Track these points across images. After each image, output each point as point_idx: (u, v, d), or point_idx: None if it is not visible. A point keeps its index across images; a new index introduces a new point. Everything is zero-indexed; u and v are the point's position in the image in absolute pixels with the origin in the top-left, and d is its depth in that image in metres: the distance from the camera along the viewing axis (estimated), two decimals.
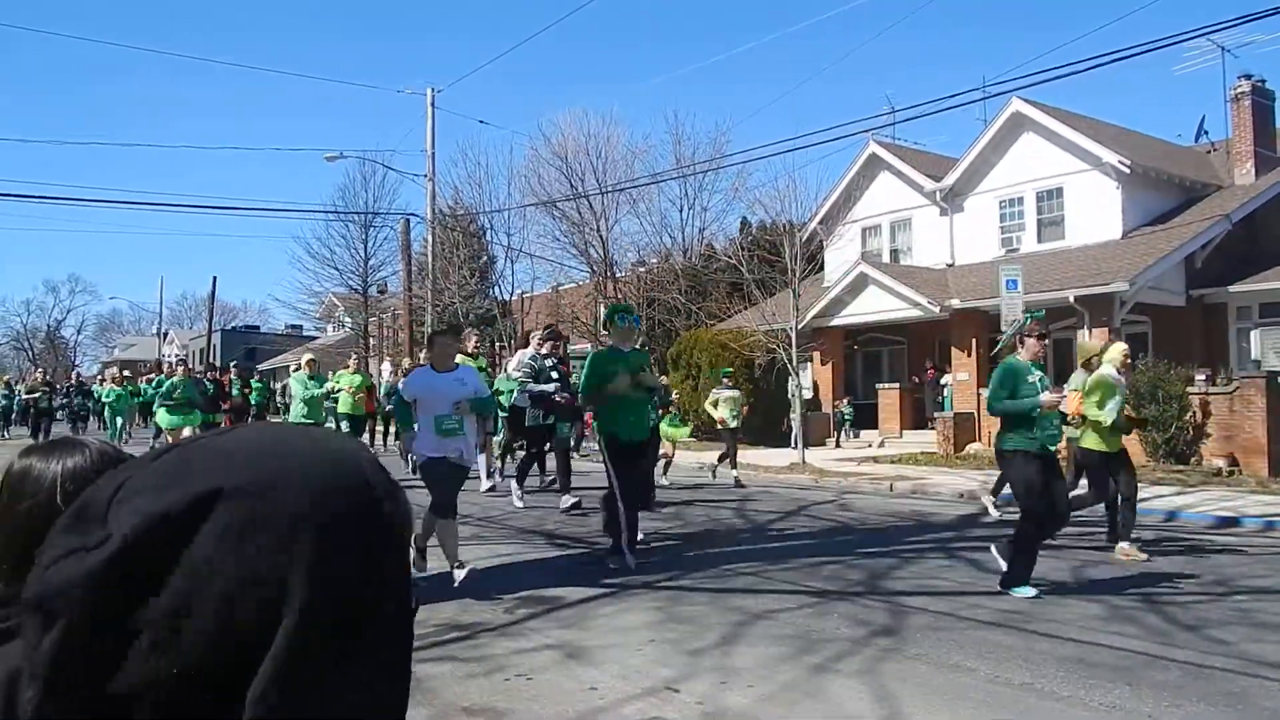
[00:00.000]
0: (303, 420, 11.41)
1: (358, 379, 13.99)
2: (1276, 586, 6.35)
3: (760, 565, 7.10)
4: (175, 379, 13.16)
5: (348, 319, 42.88)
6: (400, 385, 6.36)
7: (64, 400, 24.64)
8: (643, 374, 7.37)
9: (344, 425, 13.22)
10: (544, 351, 10.28)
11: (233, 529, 0.52)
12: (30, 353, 72.49)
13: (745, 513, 10.06)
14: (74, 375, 28.70)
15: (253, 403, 21.40)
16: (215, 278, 33.96)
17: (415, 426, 6.65)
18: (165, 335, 62.68)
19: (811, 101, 71.87)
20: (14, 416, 25.03)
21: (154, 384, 16.46)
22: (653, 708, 4.00)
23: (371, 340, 39.55)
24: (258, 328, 61.46)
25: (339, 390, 13.80)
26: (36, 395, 21.65)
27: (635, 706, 4.02)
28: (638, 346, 7.86)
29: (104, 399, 20.01)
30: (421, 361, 12.78)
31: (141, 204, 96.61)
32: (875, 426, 20.90)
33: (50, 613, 0.51)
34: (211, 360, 30.65)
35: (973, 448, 17.79)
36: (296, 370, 12.72)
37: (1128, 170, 18.38)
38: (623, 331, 7.51)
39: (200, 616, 0.51)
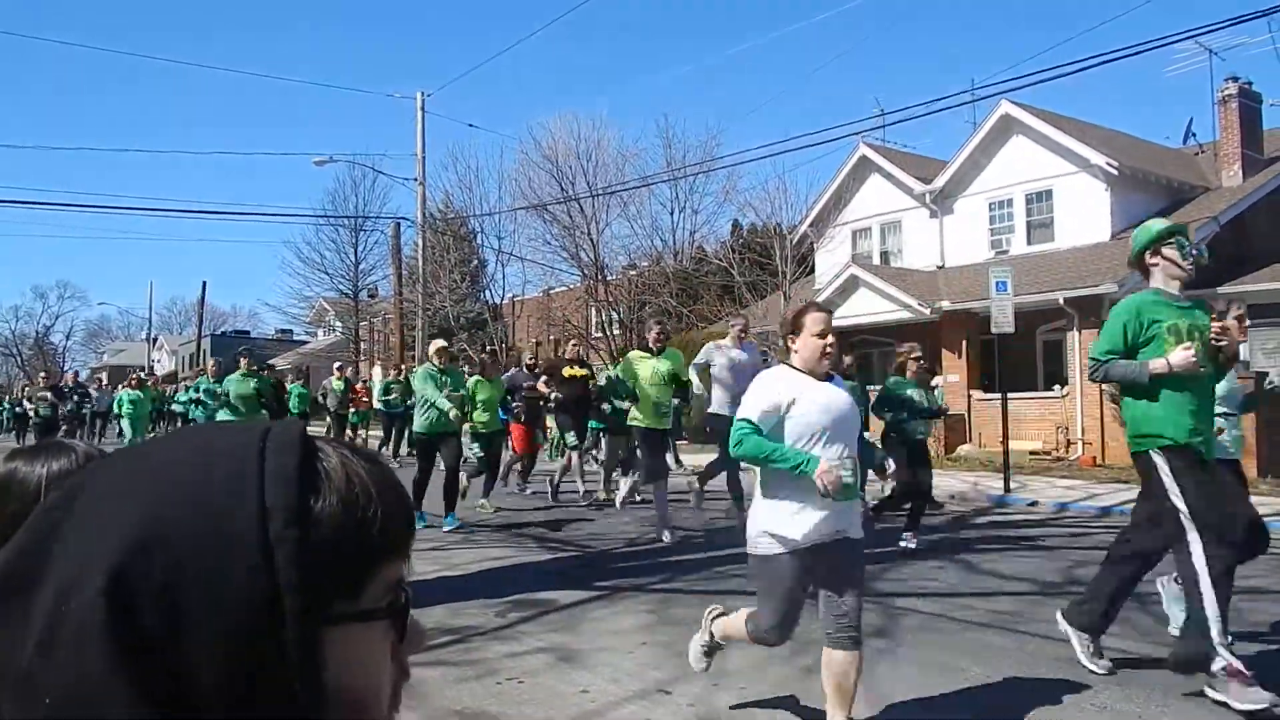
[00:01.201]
0: (424, 433, 9.28)
1: (493, 388, 10.51)
2: (1265, 587, 6.37)
3: None
4: (238, 374, 11.20)
5: (338, 323, 42.81)
6: (753, 401, 3.62)
7: (72, 405, 21.12)
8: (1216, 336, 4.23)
9: (476, 446, 10.38)
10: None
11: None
12: (19, 359, 72.10)
13: (736, 515, 10.05)
14: (72, 376, 26.39)
15: (292, 410, 17.80)
16: (205, 283, 34.08)
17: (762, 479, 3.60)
18: (155, 341, 62.45)
19: (801, 105, 72.09)
20: (9, 424, 23.78)
21: (197, 386, 13.83)
22: (645, 710, 3.99)
23: (362, 344, 39.48)
24: (248, 332, 61.32)
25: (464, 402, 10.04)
26: (40, 402, 18.24)
27: (627, 709, 4.01)
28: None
29: (119, 405, 18.00)
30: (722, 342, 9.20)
31: (130, 209, 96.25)
32: (866, 429, 20.92)
33: None
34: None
35: (963, 449, 17.84)
36: (421, 362, 10.46)
37: (1116, 172, 18.47)
38: (1181, 268, 4.28)
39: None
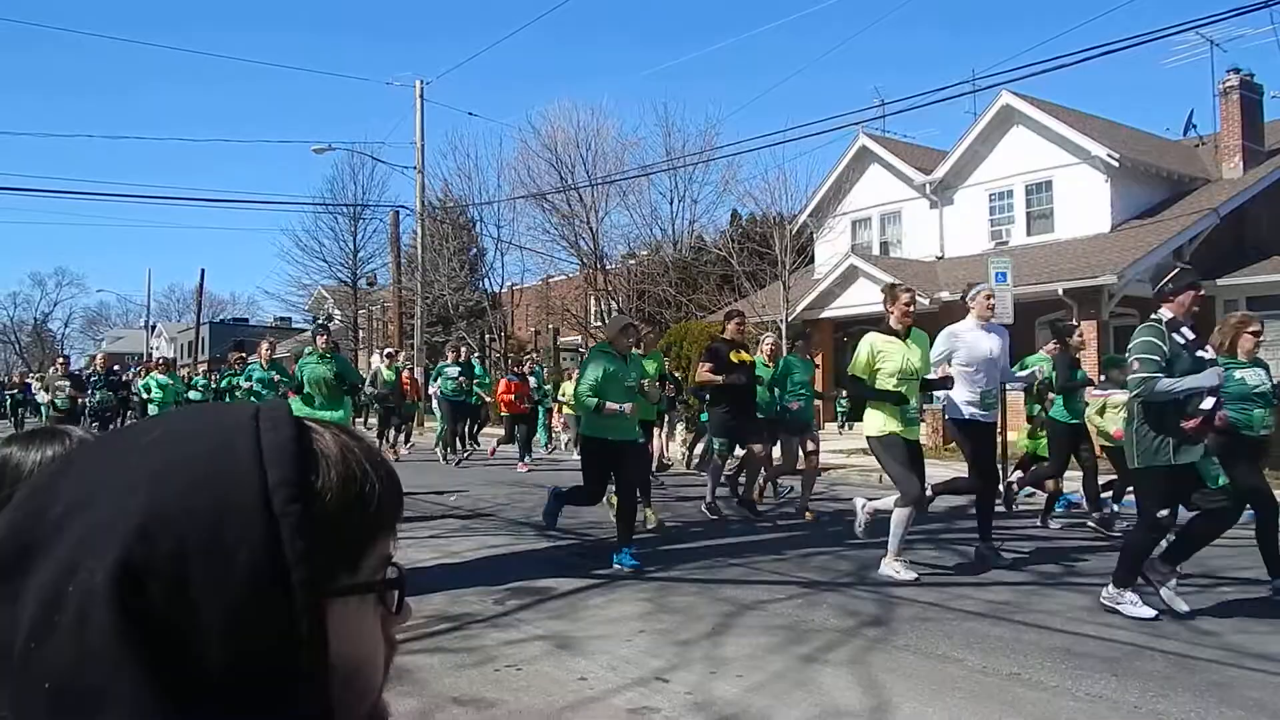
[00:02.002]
0: (596, 438, 6.98)
1: (652, 365, 8.89)
2: (1262, 578, 6.38)
3: (750, 556, 7.12)
4: (313, 357, 9.51)
5: (337, 311, 42.77)
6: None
7: (102, 396, 17.35)
8: None
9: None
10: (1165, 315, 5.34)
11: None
12: (17, 346, 72.07)
13: (735, 505, 10.06)
14: (102, 361, 22.52)
15: None
16: (203, 270, 34.06)
17: None
18: (153, 328, 62.39)
19: (801, 95, 71.93)
20: (8, 410, 23.24)
21: (243, 374, 12.51)
22: (642, 698, 4.00)
23: (361, 332, 39.46)
24: (246, 320, 61.25)
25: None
26: (57, 393, 15.00)
27: (625, 697, 4.02)
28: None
29: (146, 389, 16.81)
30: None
31: (129, 196, 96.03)
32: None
33: None
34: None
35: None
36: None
37: (1116, 164, 18.44)
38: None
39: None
